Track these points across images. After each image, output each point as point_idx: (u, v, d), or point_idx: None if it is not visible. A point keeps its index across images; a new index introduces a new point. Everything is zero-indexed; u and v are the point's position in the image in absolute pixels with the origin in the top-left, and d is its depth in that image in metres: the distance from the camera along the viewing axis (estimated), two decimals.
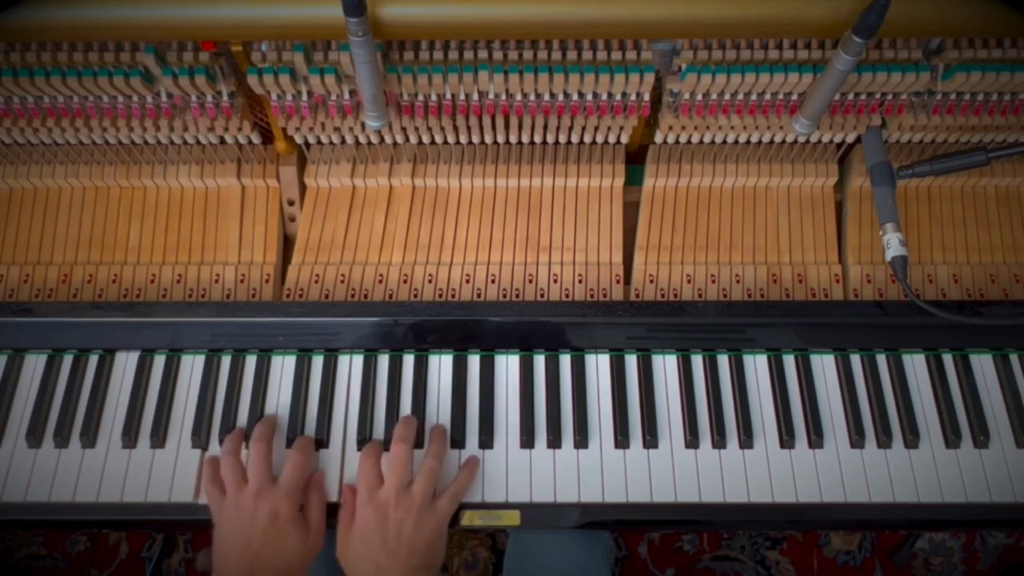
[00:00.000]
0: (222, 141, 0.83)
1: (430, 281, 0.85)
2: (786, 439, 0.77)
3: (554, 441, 0.76)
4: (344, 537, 0.71)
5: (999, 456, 0.77)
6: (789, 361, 0.81)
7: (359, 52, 0.64)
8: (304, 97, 0.75)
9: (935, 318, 0.76)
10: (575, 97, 0.75)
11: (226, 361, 0.81)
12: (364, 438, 0.77)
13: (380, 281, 0.85)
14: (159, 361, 0.81)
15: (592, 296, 0.84)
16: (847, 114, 0.79)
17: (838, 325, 0.81)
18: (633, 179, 0.90)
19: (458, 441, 0.77)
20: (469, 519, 0.74)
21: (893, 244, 0.77)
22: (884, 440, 0.77)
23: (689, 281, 0.85)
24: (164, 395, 0.79)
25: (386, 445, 0.76)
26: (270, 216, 0.88)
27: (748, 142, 0.84)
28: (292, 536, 0.69)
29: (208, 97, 0.76)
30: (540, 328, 0.80)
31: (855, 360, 0.81)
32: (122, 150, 0.88)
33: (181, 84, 0.72)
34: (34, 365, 0.81)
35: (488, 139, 0.83)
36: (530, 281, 0.85)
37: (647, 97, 0.76)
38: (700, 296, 0.85)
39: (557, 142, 0.84)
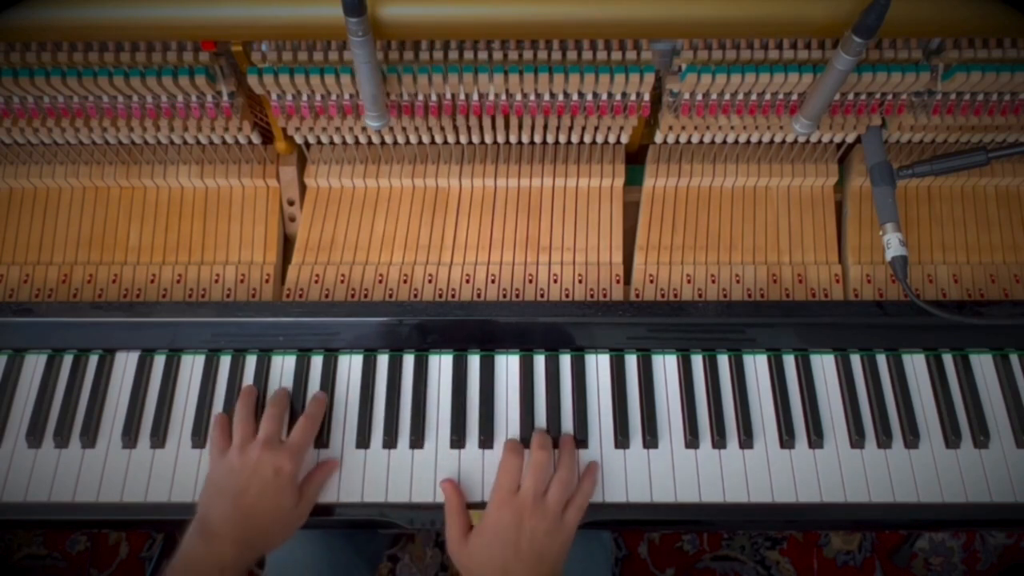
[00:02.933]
0: (222, 141, 0.83)
1: (430, 281, 0.85)
2: (786, 439, 0.77)
3: (553, 442, 0.76)
4: (461, 535, 0.71)
5: (999, 456, 0.77)
6: (789, 361, 0.81)
7: (359, 52, 0.64)
8: (304, 97, 0.75)
9: (935, 318, 0.76)
10: (575, 97, 0.75)
11: (226, 361, 0.81)
12: (364, 438, 0.77)
13: (380, 281, 0.85)
14: (159, 361, 0.81)
15: (592, 296, 0.84)
16: (847, 114, 0.79)
17: (838, 325, 0.81)
18: (633, 179, 0.90)
19: (458, 441, 0.77)
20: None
21: (893, 244, 0.77)
22: (884, 440, 0.77)
23: (689, 281, 0.85)
24: (164, 395, 0.79)
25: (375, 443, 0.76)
26: (270, 216, 0.88)
27: (748, 142, 0.84)
28: (287, 496, 0.69)
29: (208, 97, 0.76)
30: (540, 328, 0.80)
31: (855, 360, 0.81)
32: (122, 150, 0.88)
33: (181, 84, 0.72)
34: (34, 365, 0.81)
35: (488, 139, 0.83)
36: (530, 281, 0.85)
37: (647, 97, 0.76)
38: (700, 296, 0.85)
39: (557, 142, 0.84)
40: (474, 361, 0.81)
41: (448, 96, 0.75)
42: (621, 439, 0.77)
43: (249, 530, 0.67)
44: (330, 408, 0.78)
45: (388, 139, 0.83)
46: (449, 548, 0.71)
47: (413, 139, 0.83)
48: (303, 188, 0.90)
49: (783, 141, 0.84)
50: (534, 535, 0.68)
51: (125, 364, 0.81)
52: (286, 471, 0.69)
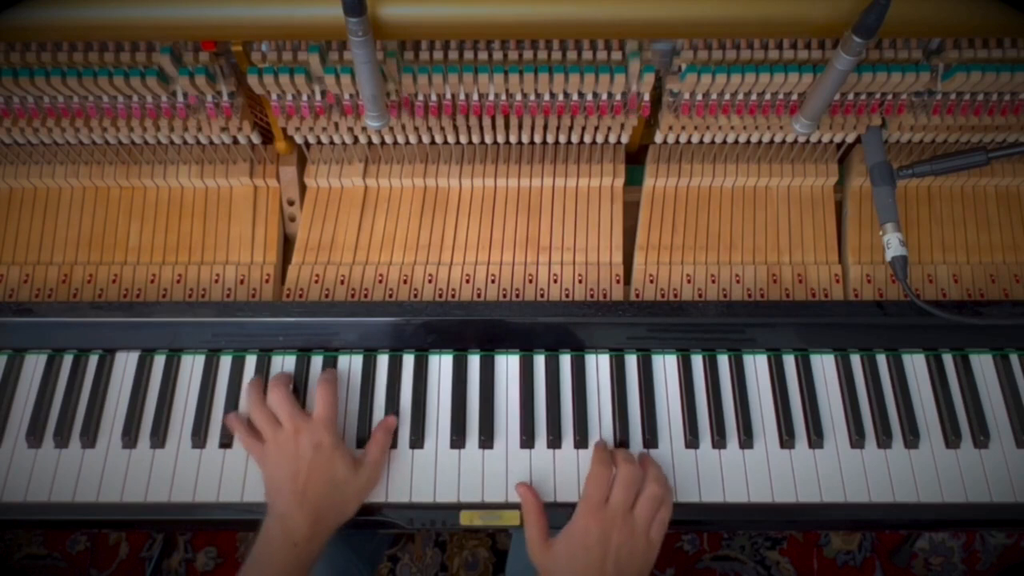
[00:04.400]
0: (222, 141, 0.83)
1: (430, 281, 0.85)
2: (786, 439, 0.77)
3: (554, 441, 0.76)
4: (542, 539, 0.70)
5: (999, 456, 0.77)
6: (789, 361, 0.81)
7: (359, 52, 0.64)
8: (304, 98, 0.75)
9: (935, 318, 0.76)
10: (575, 97, 0.75)
11: (226, 361, 0.81)
12: (363, 437, 0.77)
13: (380, 281, 0.85)
14: (159, 361, 0.81)
15: (592, 296, 0.84)
16: (847, 114, 0.79)
17: (838, 325, 0.81)
18: (633, 179, 0.90)
19: (458, 441, 0.77)
20: (469, 519, 0.73)
21: (893, 244, 0.77)
22: (884, 440, 0.77)
23: (689, 281, 0.85)
24: (164, 395, 0.79)
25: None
26: (270, 216, 0.88)
27: (748, 142, 0.84)
28: (339, 465, 0.70)
29: (208, 97, 0.76)
30: (540, 328, 0.80)
31: (855, 360, 0.81)
32: (122, 150, 0.88)
33: (181, 84, 0.72)
34: (34, 365, 0.81)
35: (488, 139, 0.83)
36: (530, 281, 0.85)
37: (647, 97, 0.76)
38: (700, 296, 0.85)
39: (557, 142, 0.84)
40: (474, 361, 0.81)
41: (448, 96, 0.75)
42: (622, 439, 0.77)
43: (314, 506, 0.68)
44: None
45: (388, 139, 0.83)
46: (530, 550, 0.71)
47: (413, 139, 0.83)
48: (303, 188, 0.90)
49: (783, 141, 0.84)
50: (620, 552, 0.67)
51: (125, 364, 0.81)
52: (326, 443, 0.70)
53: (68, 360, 0.81)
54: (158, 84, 0.72)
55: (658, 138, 0.83)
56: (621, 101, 0.76)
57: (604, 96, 0.75)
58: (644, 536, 0.68)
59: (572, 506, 0.74)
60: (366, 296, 0.84)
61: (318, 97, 0.75)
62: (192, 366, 0.81)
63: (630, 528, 0.68)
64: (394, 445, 0.77)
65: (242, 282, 0.85)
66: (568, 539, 0.69)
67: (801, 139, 0.82)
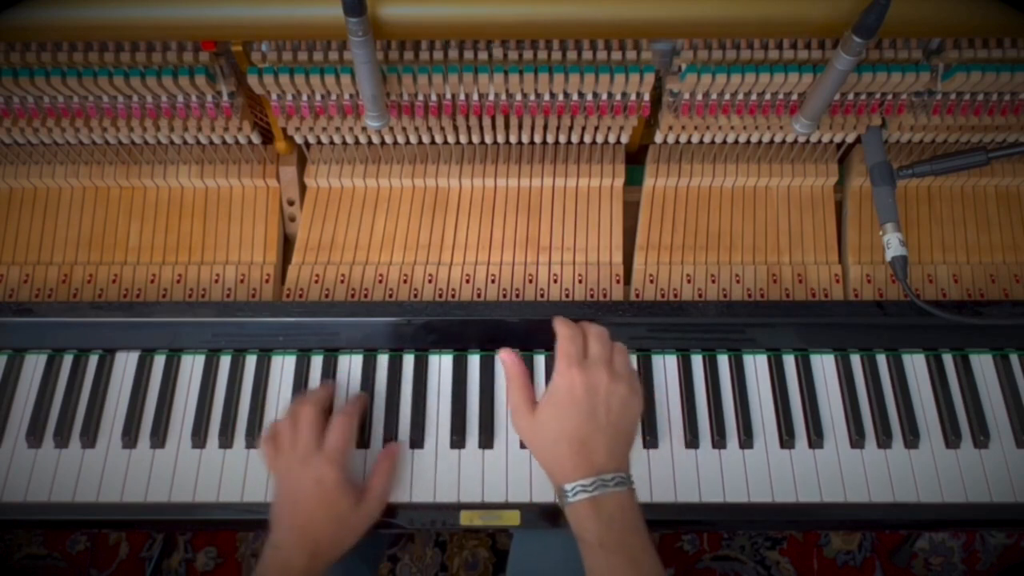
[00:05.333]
0: (222, 141, 0.83)
1: (430, 281, 0.85)
2: (786, 439, 0.77)
3: None
4: (527, 405, 0.67)
5: (999, 456, 0.77)
6: (789, 361, 0.81)
7: (359, 52, 0.64)
8: (304, 98, 0.75)
9: (935, 318, 0.76)
10: (575, 97, 0.75)
11: (226, 361, 0.81)
12: (363, 438, 0.77)
13: (380, 281, 0.85)
14: (159, 361, 0.81)
15: (592, 296, 0.84)
16: (847, 114, 0.79)
17: (838, 325, 0.81)
18: (633, 179, 0.90)
19: (458, 441, 0.77)
20: (469, 519, 0.73)
21: (893, 244, 0.77)
22: (884, 440, 0.77)
23: (689, 281, 0.85)
24: (164, 395, 0.79)
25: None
26: (270, 216, 0.88)
27: (748, 142, 0.84)
28: (340, 501, 0.68)
29: (208, 97, 0.76)
30: (540, 328, 0.80)
31: (855, 360, 0.81)
32: (122, 150, 0.88)
33: (181, 84, 0.72)
34: (34, 365, 0.81)
35: (488, 139, 0.83)
36: (530, 281, 0.85)
37: (647, 97, 0.76)
38: (700, 296, 0.85)
39: (557, 142, 0.84)
40: (474, 361, 0.81)
41: (448, 96, 0.75)
42: None
43: (312, 542, 0.66)
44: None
45: (388, 139, 0.83)
46: (514, 420, 0.68)
47: (413, 139, 0.83)
48: (303, 188, 0.90)
49: (783, 141, 0.84)
50: (611, 400, 0.64)
51: (125, 364, 0.81)
52: (328, 479, 0.68)
53: (68, 360, 0.81)
54: (158, 84, 0.72)
55: (658, 138, 0.83)
56: (621, 102, 0.76)
57: (604, 96, 0.75)
58: (629, 383, 0.66)
59: None
60: (366, 296, 0.84)
61: (318, 98, 0.75)
62: (192, 366, 0.81)
63: (616, 376, 0.66)
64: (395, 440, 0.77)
65: (242, 282, 0.85)
66: (553, 398, 0.65)
67: (801, 139, 0.82)
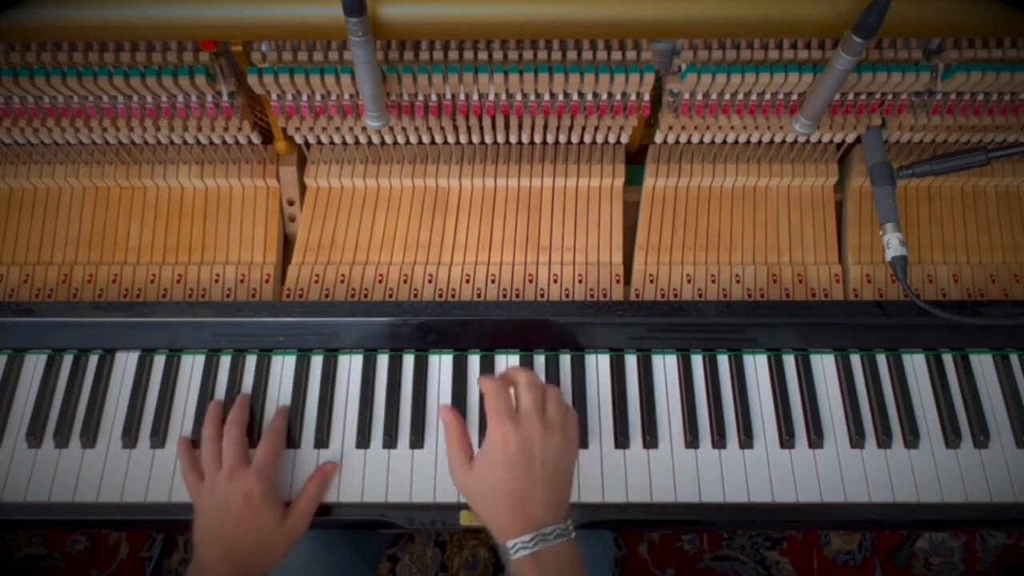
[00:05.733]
0: (222, 141, 0.83)
1: (430, 281, 0.85)
2: (786, 439, 0.77)
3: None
4: (464, 461, 0.67)
5: (999, 456, 0.77)
6: (789, 361, 0.81)
7: (359, 52, 0.64)
8: (304, 98, 0.75)
9: (935, 318, 0.76)
10: (575, 97, 0.75)
11: (226, 361, 0.81)
12: (364, 438, 0.77)
13: (380, 281, 0.85)
14: (159, 361, 0.81)
15: (592, 296, 0.84)
16: (847, 114, 0.79)
17: (838, 325, 0.81)
18: (633, 179, 0.90)
19: None
20: (469, 519, 0.73)
21: (893, 244, 0.77)
22: (884, 440, 0.77)
23: (689, 281, 0.85)
24: (164, 395, 0.79)
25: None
26: (270, 216, 0.88)
27: (748, 142, 0.84)
28: (266, 516, 0.69)
29: (208, 97, 0.76)
30: (540, 328, 0.80)
31: (855, 360, 0.81)
32: (122, 150, 0.88)
33: (181, 84, 0.72)
34: (34, 365, 0.81)
35: (488, 139, 0.83)
36: (530, 281, 0.85)
37: (647, 97, 0.76)
38: (700, 296, 0.85)
39: (557, 142, 0.84)
40: (474, 361, 0.81)
41: (448, 96, 0.75)
42: (621, 439, 0.77)
43: (237, 557, 0.67)
44: (330, 408, 0.78)
45: (388, 139, 0.83)
46: (452, 475, 0.69)
47: (413, 139, 0.83)
48: (303, 188, 0.90)
49: (783, 141, 0.84)
50: (546, 453, 0.64)
51: (125, 364, 0.81)
52: (256, 494, 0.69)
53: (68, 360, 0.81)
54: (158, 84, 0.72)
55: (658, 138, 0.83)
56: (621, 102, 0.76)
57: (604, 96, 0.75)
58: (563, 432, 0.67)
59: (574, 505, 0.73)
60: (366, 296, 0.84)
61: (318, 98, 0.75)
62: (192, 366, 0.81)
63: (549, 427, 0.66)
64: (394, 445, 0.77)
65: (242, 282, 0.85)
66: (487, 456, 0.66)
67: (801, 139, 0.82)
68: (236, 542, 0.67)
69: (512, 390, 0.70)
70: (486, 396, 0.69)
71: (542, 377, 0.80)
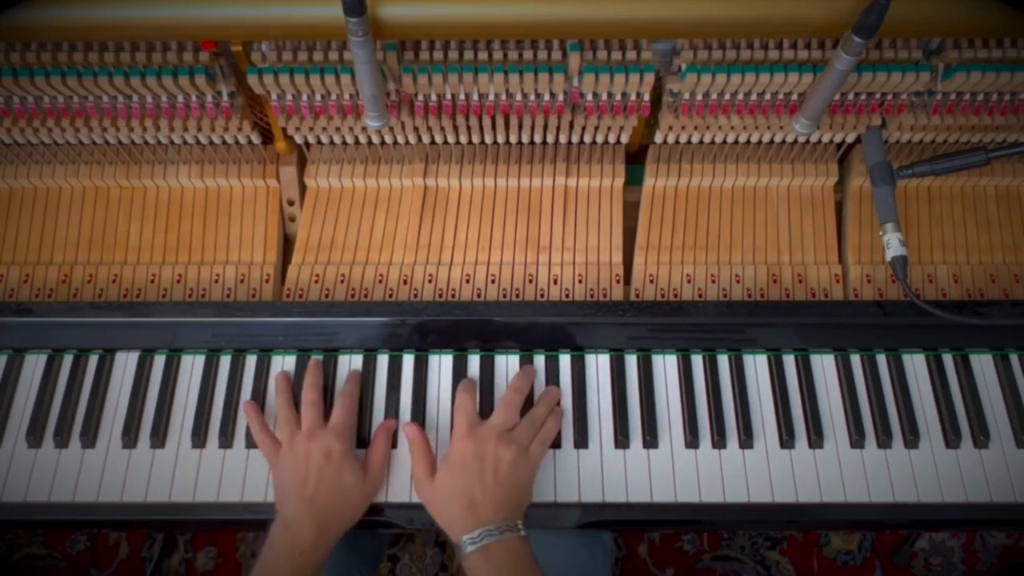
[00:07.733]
0: (222, 141, 0.83)
1: (430, 281, 0.85)
2: (786, 439, 0.77)
3: (554, 441, 0.76)
4: (427, 473, 0.72)
5: (999, 456, 0.77)
6: (789, 361, 0.81)
7: (359, 52, 0.64)
8: (304, 98, 0.75)
9: (935, 318, 0.76)
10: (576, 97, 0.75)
11: (226, 361, 0.81)
12: (364, 437, 0.77)
13: (380, 281, 0.85)
14: (159, 361, 0.81)
15: (592, 296, 0.84)
16: (847, 114, 0.79)
17: (838, 325, 0.81)
18: (633, 179, 0.90)
19: None
20: None
21: (893, 244, 0.77)
22: (884, 440, 0.77)
23: (689, 281, 0.85)
24: (164, 395, 0.79)
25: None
26: (270, 216, 0.88)
27: (748, 142, 0.84)
28: (347, 472, 0.71)
29: (208, 97, 0.76)
30: (540, 328, 0.80)
31: (855, 360, 0.81)
32: (122, 150, 0.88)
33: (181, 84, 0.72)
34: (34, 365, 0.81)
35: (488, 139, 0.83)
36: (530, 281, 0.85)
37: (647, 97, 0.75)
38: (700, 296, 0.85)
39: (557, 142, 0.84)
40: (474, 361, 0.81)
41: (448, 96, 0.75)
42: (621, 439, 0.77)
43: (321, 514, 0.69)
44: (330, 408, 0.78)
45: (388, 139, 0.83)
46: (416, 487, 0.73)
47: (413, 139, 0.83)
48: (303, 188, 0.90)
49: (783, 141, 0.84)
50: (499, 465, 0.69)
51: (125, 364, 0.81)
52: (336, 451, 0.71)
53: (68, 360, 0.81)
54: (158, 84, 0.72)
55: (658, 138, 0.83)
56: (621, 102, 0.76)
57: (604, 96, 0.75)
58: (523, 450, 0.71)
59: (572, 506, 0.74)
60: (366, 296, 0.84)
61: (318, 98, 0.75)
62: (192, 366, 0.81)
63: (507, 443, 0.70)
64: (394, 445, 0.77)
65: (242, 282, 0.85)
66: (447, 466, 0.71)
67: (801, 139, 0.82)
68: (319, 499, 0.69)
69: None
70: (455, 407, 0.75)
71: (542, 377, 0.80)
